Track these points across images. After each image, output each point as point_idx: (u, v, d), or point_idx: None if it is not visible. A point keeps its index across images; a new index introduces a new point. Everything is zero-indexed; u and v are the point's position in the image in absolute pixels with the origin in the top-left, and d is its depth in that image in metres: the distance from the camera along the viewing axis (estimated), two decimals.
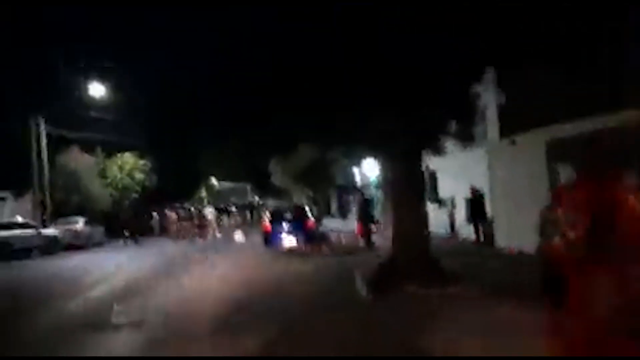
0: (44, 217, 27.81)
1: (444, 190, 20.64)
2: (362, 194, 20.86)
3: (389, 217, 11.32)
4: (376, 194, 29.25)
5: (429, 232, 10.32)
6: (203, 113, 44.31)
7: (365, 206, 18.31)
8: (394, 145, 9.74)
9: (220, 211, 42.18)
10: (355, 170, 41.49)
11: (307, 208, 21.69)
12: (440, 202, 20.34)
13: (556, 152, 12.60)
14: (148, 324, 8.76)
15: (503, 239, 15.21)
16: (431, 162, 16.84)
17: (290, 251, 18.22)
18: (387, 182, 10.72)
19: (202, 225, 31.63)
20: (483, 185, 16.59)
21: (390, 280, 9.65)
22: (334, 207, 44.09)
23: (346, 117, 9.92)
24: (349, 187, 41.01)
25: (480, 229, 17.18)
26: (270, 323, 8.07)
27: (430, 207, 13.89)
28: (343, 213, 36.23)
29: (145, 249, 25.65)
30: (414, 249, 9.84)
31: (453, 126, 11.01)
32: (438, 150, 11.09)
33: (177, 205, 41.72)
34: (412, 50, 8.80)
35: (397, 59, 8.93)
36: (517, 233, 14.53)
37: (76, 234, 27.13)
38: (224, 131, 48.10)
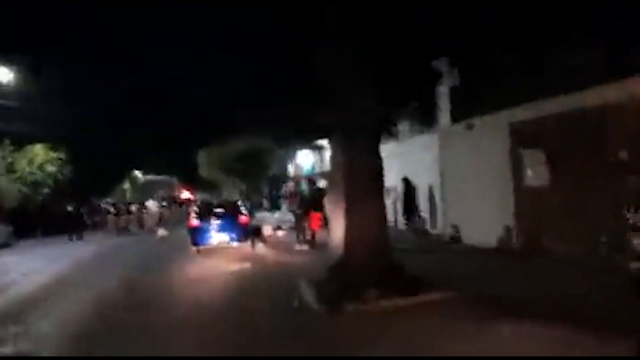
0: None
1: (388, 179, 19.23)
2: (314, 183, 19.08)
3: (336, 211, 9.63)
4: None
5: (387, 229, 8.70)
6: (122, 100, 41.82)
7: (316, 197, 16.64)
8: (350, 128, 8.08)
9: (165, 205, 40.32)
10: (289, 161, 39.94)
11: (239, 202, 19.74)
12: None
13: (521, 136, 11.37)
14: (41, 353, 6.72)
15: (466, 234, 13.90)
16: None
17: (221, 250, 16.30)
18: (337, 172, 9.01)
19: (141, 219, 30.49)
20: (433, 173, 15.27)
21: (345, 287, 7.99)
22: (264, 199, 42.21)
23: (298, 102, 8.26)
24: (281, 178, 39.35)
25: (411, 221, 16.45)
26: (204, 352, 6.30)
27: None
28: (275, 205, 34.33)
29: (64, 248, 22.97)
30: (373, 249, 8.20)
31: (409, 108, 9.52)
32: (392, 135, 9.55)
33: (109, 200, 40.23)
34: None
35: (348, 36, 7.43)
36: (474, 225, 13.35)
37: None
38: (145, 120, 45.64)
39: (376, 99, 7.85)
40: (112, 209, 33.53)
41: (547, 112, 10.56)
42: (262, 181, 39.06)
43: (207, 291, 10.38)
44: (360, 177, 8.29)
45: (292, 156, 38.19)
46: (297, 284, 9.45)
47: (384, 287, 7.77)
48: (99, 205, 39.61)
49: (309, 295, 8.60)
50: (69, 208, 30.27)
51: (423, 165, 15.58)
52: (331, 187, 11.77)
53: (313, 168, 35.59)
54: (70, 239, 27.45)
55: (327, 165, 32.32)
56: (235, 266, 13.46)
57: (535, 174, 10.89)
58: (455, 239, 14.13)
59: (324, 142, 31.58)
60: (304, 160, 37.13)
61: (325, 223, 15.06)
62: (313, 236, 16.01)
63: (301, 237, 16.57)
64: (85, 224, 31.90)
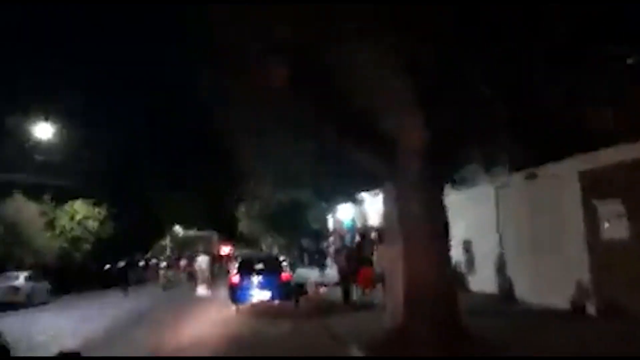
0: None
1: None
2: (363, 236, 18.26)
3: (393, 269, 8.72)
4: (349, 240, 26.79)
5: (456, 292, 7.65)
6: (161, 159, 42.18)
7: (360, 251, 15.77)
8: (411, 177, 7.24)
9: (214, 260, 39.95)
10: (330, 215, 39.12)
11: (281, 258, 18.88)
12: None
13: (594, 186, 10.30)
14: None
15: (524, 292, 12.68)
16: None
17: (263, 309, 15.34)
18: (391, 225, 8.16)
19: (192, 274, 29.78)
20: (490, 228, 14.15)
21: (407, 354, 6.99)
22: (305, 254, 41.20)
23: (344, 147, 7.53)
24: (321, 232, 38.47)
25: None
26: None
27: None
28: (318, 262, 33.13)
29: (103, 306, 22.33)
30: (439, 314, 7.18)
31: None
32: (455, 184, 8.67)
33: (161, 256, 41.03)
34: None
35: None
36: (535, 283, 12.17)
37: (14, 291, 23.47)
38: (184, 177, 45.76)
39: (440, 140, 7.02)
40: (163, 264, 33.30)
41: (623, 158, 9.55)
42: (302, 236, 38.27)
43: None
44: (419, 227, 7.37)
45: (332, 210, 37.40)
46: (348, 350, 8.44)
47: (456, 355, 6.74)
48: (147, 260, 40.01)
49: None
50: (121, 264, 30.17)
51: (478, 218, 14.51)
52: (384, 241, 10.88)
53: (354, 222, 34.66)
54: (126, 295, 26.60)
55: (367, 218, 31.39)
56: (279, 329, 12.47)
57: (613, 227, 9.78)
58: (510, 297, 13.02)
59: (365, 195, 30.77)
60: (344, 214, 36.26)
61: (378, 280, 14.03)
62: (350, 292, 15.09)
63: (347, 295, 15.54)
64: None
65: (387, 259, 9.13)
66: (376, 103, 6.90)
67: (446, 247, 7.62)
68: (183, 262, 33.12)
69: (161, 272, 32.00)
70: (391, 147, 7.24)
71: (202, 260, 29.02)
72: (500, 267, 13.93)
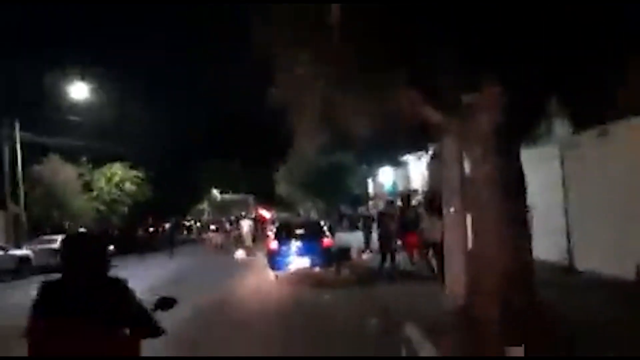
0: (17, 235, 24.22)
1: None
2: (408, 197, 17.30)
3: (453, 236, 7.67)
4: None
5: (532, 262, 6.44)
6: (200, 122, 41.52)
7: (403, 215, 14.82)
8: (485, 123, 6.01)
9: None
10: (370, 179, 38.16)
11: (321, 222, 17.92)
12: None
13: None
14: None
15: (586, 261, 11.51)
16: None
17: (303, 276, 14.52)
18: (451, 184, 7.07)
19: (239, 236, 29.56)
20: (553, 191, 12.87)
21: (478, 341, 5.94)
22: (345, 219, 40.45)
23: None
24: (361, 196, 37.60)
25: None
26: None
27: None
28: (363, 226, 32.06)
29: (142, 268, 22.00)
30: (517, 290, 6.03)
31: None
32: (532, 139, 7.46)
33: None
34: None
35: None
36: (608, 253, 10.92)
37: (54, 254, 23.37)
38: (222, 140, 45.14)
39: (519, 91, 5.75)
40: (212, 227, 33.24)
41: None
42: (342, 200, 37.42)
43: (283, 340, 8.47)
44: (495, 196, 6.17)
45: (373, 174, 36.39)
46: (405, 332, 7.43)
47: (539, 345, 5.64)
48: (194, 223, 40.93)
49: (426, 349, 6.60)
50: (167, 225, 30.32)
51: (540, 180, 13.18)
52: (436, 207, 9.74)
53: (395, 186, 33.62)
54: (171, 257, 26.37)
55: (410, 181, 30.25)
56: (319, 300, 11.60)
57: None
58: (571, 266, 11.89)
59: (408, 158, 29.59)
60: (385, 178, 35.23)
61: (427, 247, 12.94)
62: (390, 257, 14.06)
63: (387, 264, 14.44)
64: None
65: (444, 228, 8.06)
66: (448, 53, 5.67)
67: (523, 215, 6.42)
68: (229, 226, 32.78)
69: (210, 234, 31.90)
70: (457, 97, 6.03)
71: (245, 224, 28.77)
72: (563, 233, 12.72)
